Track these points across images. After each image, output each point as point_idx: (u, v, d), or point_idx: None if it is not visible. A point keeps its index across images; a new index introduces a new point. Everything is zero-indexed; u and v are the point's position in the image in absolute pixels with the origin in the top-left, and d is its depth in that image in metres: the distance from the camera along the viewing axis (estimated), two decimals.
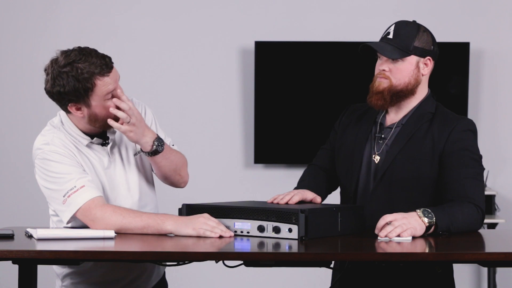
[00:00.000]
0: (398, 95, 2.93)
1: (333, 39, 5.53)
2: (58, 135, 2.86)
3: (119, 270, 2.94)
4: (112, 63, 2.82)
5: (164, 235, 2.73)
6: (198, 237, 2.66)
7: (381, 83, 2.93)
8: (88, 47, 2.82)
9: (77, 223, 2.83)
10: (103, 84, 2.77)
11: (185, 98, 5.63)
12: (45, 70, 2.82)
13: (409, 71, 2.93)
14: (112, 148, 2.91)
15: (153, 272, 3.04)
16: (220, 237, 2.66)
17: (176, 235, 2.71)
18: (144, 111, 3.01)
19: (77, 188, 2.77)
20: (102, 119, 2.82)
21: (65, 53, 2.78)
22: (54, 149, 2.82)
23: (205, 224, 2.68)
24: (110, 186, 2.89)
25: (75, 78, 2.73)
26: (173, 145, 3.13)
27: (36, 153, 2.85)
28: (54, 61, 2.79)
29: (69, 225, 2.84)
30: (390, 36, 2.92)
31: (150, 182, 3.04)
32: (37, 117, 5.50)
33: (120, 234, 2.73)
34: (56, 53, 2.82)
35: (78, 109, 2.80)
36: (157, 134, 2.91)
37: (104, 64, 2.78)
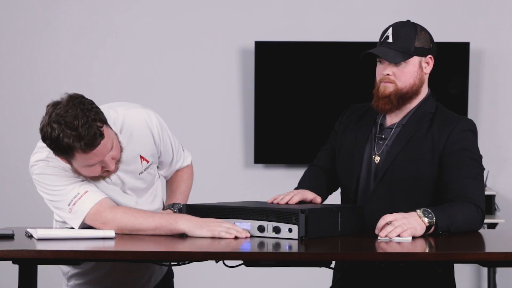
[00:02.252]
0: (405, 97, 2.93)
1: (333, 39, 5.53)
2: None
3: (122, 272, 2.93)
4: (101, 139, 2.61)
5: (177, 236, 2.71)
6: (213, 238, 2.65)
7: (386, 87, 2.92)
8: (87, 108, 2.61)
9: (87, 224, 2.80)
10: (82, 158, 2.64)
11: (185, 98, 5.63)
12: (47, 106, 2.68)
13: (413, 73, 2.92)
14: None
15: (155, 271, 3.03)
16: (236, 238, 2.64)
17: (190, 236, 2.69)
18: (143, 124, 2.91)
19: (81, 195, 2.74)
20: (86, 177, 2.76)
21: (64, 108, 2.61)
22: (51, 164, 2.78)
23: (220, 226, 2.67)
24: (114, 199, 2.85)
25: (57, 140, 2.60)
26: (183, 150, 3.14)
27: (32, 170, 2.81)
28: (52, 107, 2.64)
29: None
30: (390, 39, 2.91)
31: (154, 192, 3.02)
32: (37, 117, 5.46)
33: (120, 234, 2.73)
34: (61, 97, 2.66)
35: (63, 159, 2.71)
36: (170, 206, 2.95)
37: (88, 143, 2.59)
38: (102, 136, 2.62)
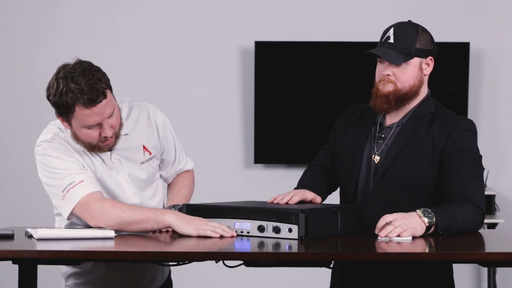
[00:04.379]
0: (403, 98, 2.93)
1: (333, 39, 5.53)
2: (60, 135, 2.84)
3: (121, 272, 2.93)
4: (103, 97, 2.70)
5: (176, 236, 2.71)
6: (199, 237, 2.65)
7: (385, 85, 2.92)
8: (95, 69, 2.72)
9: (80, 220, 2.82)
10: (82, 114, 2.70)
11: (185, 98, 5.63)
12: (57, 68, 2.78)
13: (413, 74, 2.92)
14: (116, 152, 2.88)
15: (157, 274, 3.03)
16: (221, 237, 2.65)
17: (177, 233, 2.70)
18: (149, 116, 2.97)
19: (76, 183, 2.75)
20: (83, 142, 2.80)
21: (73, 66, 2.72)
22: (54, 146, 2.82)
23: (206, 224, 2.68)
24: (112, 189, 2.88)
25: (61, 94, 2.69)
26: (186, 155, 3.15)
27: (36, 150, 2.85)
28: (61, 67, 2.75)
29: (76, 223, 2.83)
30: (391, 40, 2.91)
31: (154, 188, 3.03)
32: (37, 117, 5.50)
33: (120, 234, 2.73)
34: (72, 60, 2.77)
35: (63, 121, 2.78)
36: (171, 207, 2.96)
37: (90, 98, 2.67)
38: (104, 95, 2.70)
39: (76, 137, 2.79)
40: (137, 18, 5.63)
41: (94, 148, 2.82)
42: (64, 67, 2.74)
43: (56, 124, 2.87)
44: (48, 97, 2.74)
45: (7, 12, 5.65)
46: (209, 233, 2.65)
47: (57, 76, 2.72)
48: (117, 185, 2.89)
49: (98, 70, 2.74)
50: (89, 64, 2.74)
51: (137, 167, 2.93)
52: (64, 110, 2.72)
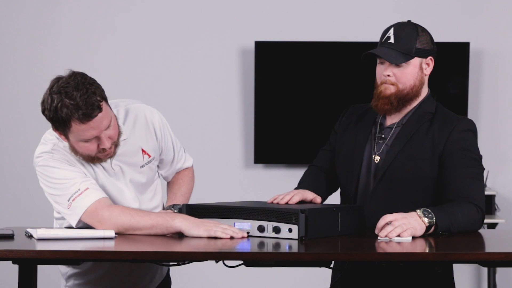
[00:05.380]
0: (405, 99, 2.93)
1: (333, 39, 5.53)
2: (59, 145, 2.82)
3: (122, 272, 2.93)
4: (98, 111, 2.66)
5: (176, 236, 2.71)
6: (209, 238, 2.65)
7: (387, 88, 2.92)
8: (88, 82, 2.68)
9: (85, 223, 2.81)
10: (78, 129, 2.68)
11: (185, 98, 5.63)
12: (50, 82, 2.74)
13: (413, 74, 2.92)
14: (116, 158, 2.87)
15: (156, 273, 3.03)
16: (231, 238, 2.64)
17: (186, 235, 2.69)
18: (146, 119, 2.96)
19: (81, 191, 2.74)
20: (81, 155, 2.78)
21: (66, 80, 2.68)
22: (55, 157, 2.80)
23: (216, 226, 2.67)
24: (112, 195, 2.87)
25: (55, 110, 2.65)
26: (184, 152, 3.15)
27: (36, 161, 2.82)
28: (55, 80, 2.71)
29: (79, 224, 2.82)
30: (391, 40, 2.91)
31: (153, 189, 3.03)
32: (37, 117, 5.47)
33: (120, 234, 2.73)
34: (65, 72, 2.73)
35: (60, 134, 2.76)
36: (171, 207, 2.96)
37: (85, 113, 2.64)
38: (100, 109, 2.67)
39: (74, 150, 2.77)
40: (136, 18, 5.63)
41: (94, 159, 2.80)
42: (57, 80, 2.69)
43: (53, 134, 2.83)
44: (43, 112, 2.70)
45: (7, 12, 5.65)
46: (219, 234, 2.64)
47: (50, 90, 2.68)
48: (118, 191, 2.88)
49: (91, 82, 2.69)
50: (83, 76, 2.70)
51: (137, 171, 2.93)
52: (60, 125, 2.69)
